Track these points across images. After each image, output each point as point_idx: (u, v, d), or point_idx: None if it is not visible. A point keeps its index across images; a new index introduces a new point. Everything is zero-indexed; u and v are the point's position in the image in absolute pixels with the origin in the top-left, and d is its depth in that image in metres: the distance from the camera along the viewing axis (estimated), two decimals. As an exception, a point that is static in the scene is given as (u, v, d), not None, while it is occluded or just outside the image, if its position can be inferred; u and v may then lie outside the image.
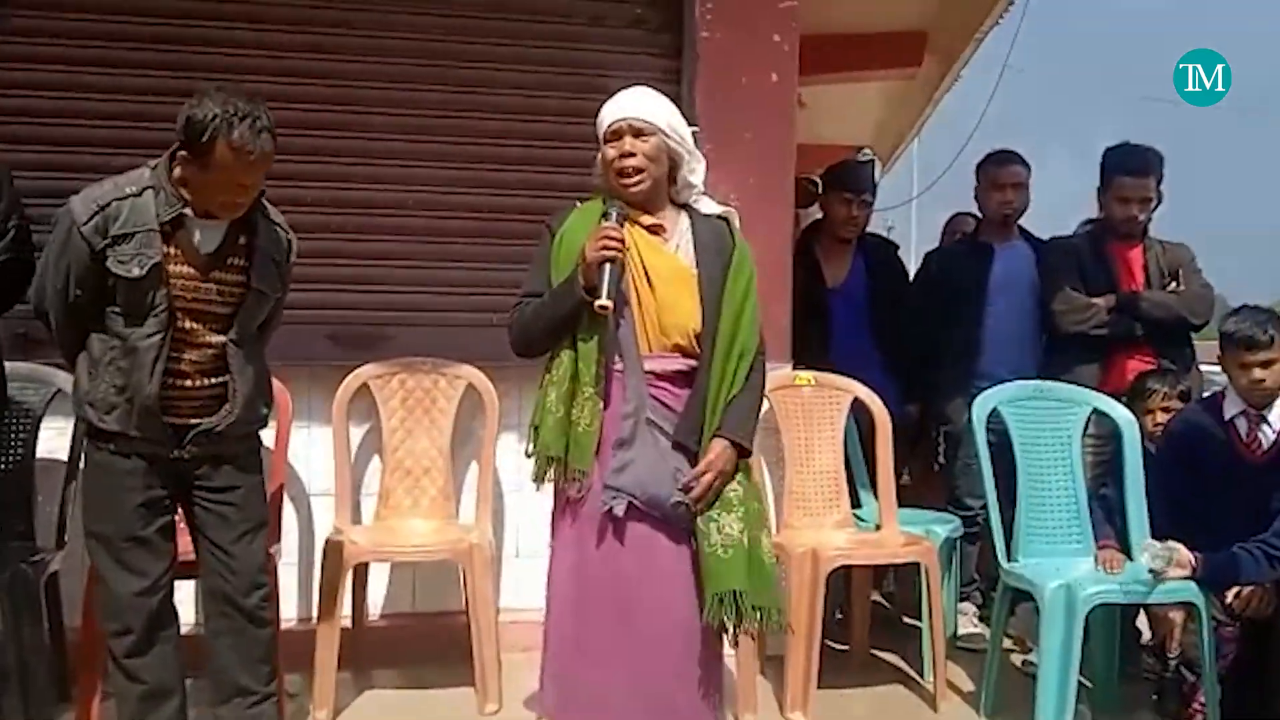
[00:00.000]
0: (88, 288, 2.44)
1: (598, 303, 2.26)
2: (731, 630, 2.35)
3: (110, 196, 2.42)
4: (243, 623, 2.64)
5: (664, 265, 2.40)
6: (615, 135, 2.40)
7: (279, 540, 3.33)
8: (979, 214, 4.36)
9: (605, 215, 2.35)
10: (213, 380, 2.56)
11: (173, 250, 2.46)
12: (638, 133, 2.38)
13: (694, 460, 2.37)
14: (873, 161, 6.76)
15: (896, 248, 4.58)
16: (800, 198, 4.37)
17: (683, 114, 2.50)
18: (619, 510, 2.32)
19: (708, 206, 2.51)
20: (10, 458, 3.09)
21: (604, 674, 2.35)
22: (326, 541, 3.28)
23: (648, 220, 2.42)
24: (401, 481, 3.52)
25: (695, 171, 2.48)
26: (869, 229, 4.38)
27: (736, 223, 2.52)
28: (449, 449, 3.55)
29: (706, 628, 2.35)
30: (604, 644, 2.36)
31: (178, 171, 2.45)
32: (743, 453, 2.40)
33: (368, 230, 3.63)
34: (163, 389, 2.47)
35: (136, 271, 2.41)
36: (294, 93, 3.57)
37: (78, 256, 2.41)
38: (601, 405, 2.35)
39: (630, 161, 2.37)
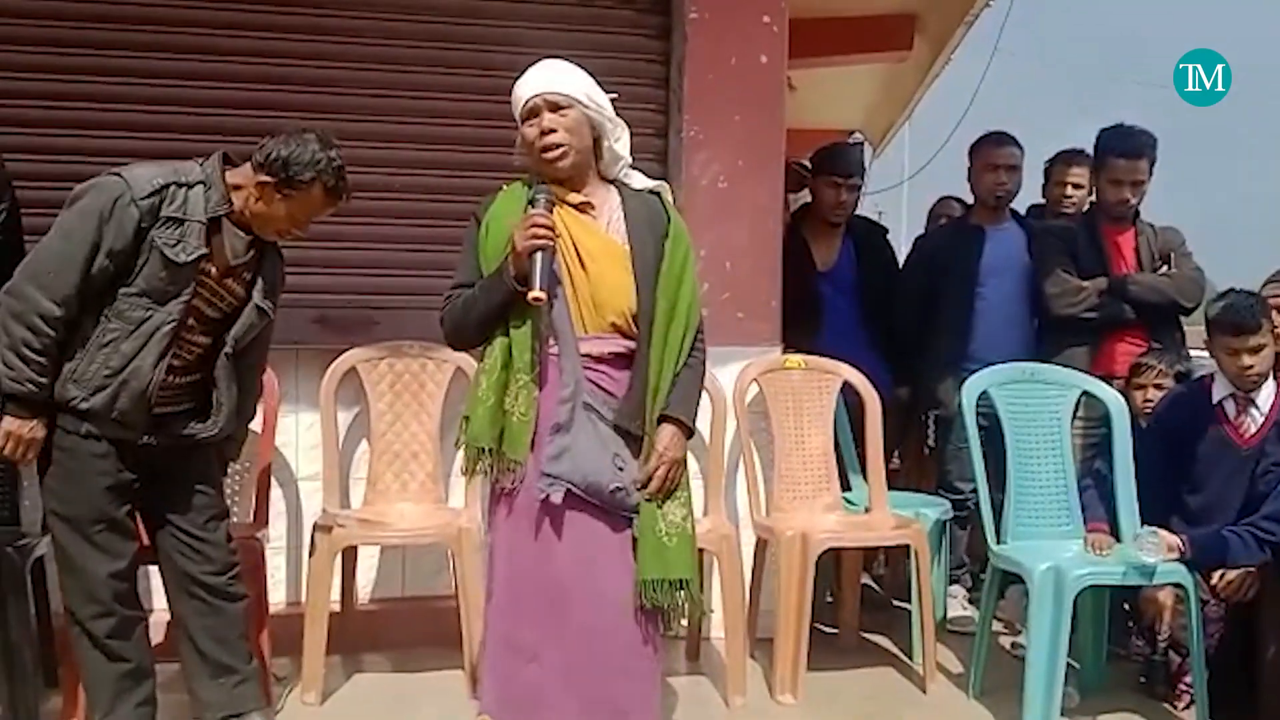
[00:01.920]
0: (116, 262, 2.45)
1: (531, 294, 2.19)
2: (672, 617, 2.31)
3: (170, 180, 2.48)
4: (218, 602, 2.68)
5: (596, 244, 2.34)
6: (533, 113, 2.32)
7: (267, 525, 3.32)
8: (968, 197, 4.35)
9: (532, 202, 2.27)
10: (187, 379, 2.62)
11: (209, 248, 2.52)
12: (555, 107, 2.31)
13: (636, 444, 2.31)
14: (861, 145, 6.75)
15: (885, 231, 4.58)
16: (790, 182, 4.35)
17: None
18: (556, 498, 2.25)
19: (639, 182, 2.46)
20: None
21: (537, 670, 2.29)
22: (315, 525, 3.27)
23: (576, 199, 2.36)
24: (390, 465, 3.50)
25: (620, 140, 2.41)
26: (858, 213, 4.37)
27: (669, 197, 2.48)
28: (437, 433, 3.54)
29: (648, 616, 2.29)
30: (537, 639, 2.29)
31: (236, 180, 2.54)
32: (688, 433, 2.35)
33: (355, 213, 3.59)
34: None
35: (183, 258, 2.47)
36: (275, 74, 3.54)
37: (122, 228, 2.43)
38: (537, 391, 2.28)
39: (552, 138, 2.30)
